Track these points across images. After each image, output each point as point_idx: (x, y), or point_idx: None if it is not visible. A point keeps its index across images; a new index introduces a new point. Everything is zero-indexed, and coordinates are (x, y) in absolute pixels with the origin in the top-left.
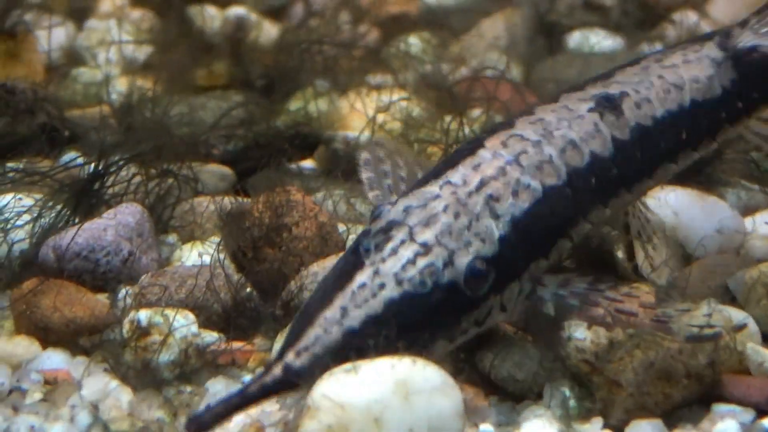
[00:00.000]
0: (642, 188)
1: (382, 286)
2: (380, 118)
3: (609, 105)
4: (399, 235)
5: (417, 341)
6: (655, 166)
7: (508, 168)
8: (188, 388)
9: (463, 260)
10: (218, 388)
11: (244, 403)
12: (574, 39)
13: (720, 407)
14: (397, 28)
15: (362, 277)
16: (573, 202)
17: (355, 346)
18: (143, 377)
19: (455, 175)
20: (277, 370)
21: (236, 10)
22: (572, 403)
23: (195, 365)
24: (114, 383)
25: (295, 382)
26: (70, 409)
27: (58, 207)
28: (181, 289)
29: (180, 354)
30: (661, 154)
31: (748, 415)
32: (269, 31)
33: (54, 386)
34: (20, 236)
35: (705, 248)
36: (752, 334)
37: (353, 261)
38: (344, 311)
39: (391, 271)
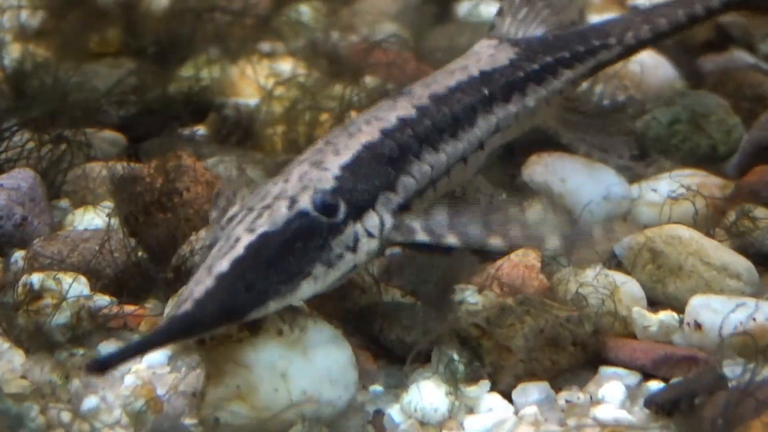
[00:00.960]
0: (470, 137)
1: (237, 239)
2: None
3: (400, 93)
4: (241, 213)
5: (293, 267)
6: (468, 117)
7: (323, 147)
8: (80, 351)
9: (305, 196)
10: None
11: (139, 350)
12: (463, 8)
13: (606, 370)
14: None
15: (218, 245)
16: (396, 150)
17: (232, 284)
18: (36, 340)
19: (282, 175)
20: (165, 321)
21: None
22: (460, 366)
23: (87, 328)
24: (6, 345)
25: (184, 330)
26: None
27: None
28: (73, 253)
29: (72, 317)
30: (466, 108)
31: (634, 377)
32: None
33: None
34: None
35: (592, 214)
36: (637, 299)
37: (209, 249)
38: (210, 267)
39: (242, 228)
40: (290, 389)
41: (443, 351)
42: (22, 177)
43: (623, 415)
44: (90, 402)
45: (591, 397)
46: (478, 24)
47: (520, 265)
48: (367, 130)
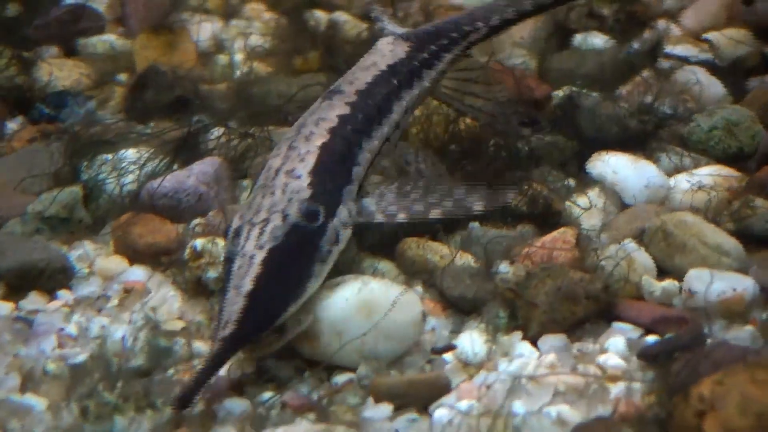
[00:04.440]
0: (389, 121)
1: (252, 257)
2: None
3: (332, 92)
4: (245, 229)
5: (299, 274)
6: (386, 105)
7: (288, 153)
8: None
9: (293, 209)
10: None
11: (206, 376)
12: (578, 39)
13: (617, 325)
14: None
15: (237, 263)
16: (344, 145)
17: (259, 299)
18: (195, 289)
19: (259, 181)
20: (218, 344)
21: (339, 15)
22: (502, 320)
23: None
24: (171, 293)
25: (234, 347)
26: (130, 313)
27: (159, 158)
28: None
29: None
30: (384, 98)
31: (636, 333)
32: (358, 28)
33: (129, 294)
34: (129, 180)
35: (635, 199)
36: (649, 269)
37: (228, 264)
38: (237, 286)
39: (251, 246)
40: (342, 344)
41: (490, 307)
42: (210, 163)
43: (619, 363)
44: None
45: (600, 347)
46: (584, 51)
47: (559, 240)
48: (318, 132)
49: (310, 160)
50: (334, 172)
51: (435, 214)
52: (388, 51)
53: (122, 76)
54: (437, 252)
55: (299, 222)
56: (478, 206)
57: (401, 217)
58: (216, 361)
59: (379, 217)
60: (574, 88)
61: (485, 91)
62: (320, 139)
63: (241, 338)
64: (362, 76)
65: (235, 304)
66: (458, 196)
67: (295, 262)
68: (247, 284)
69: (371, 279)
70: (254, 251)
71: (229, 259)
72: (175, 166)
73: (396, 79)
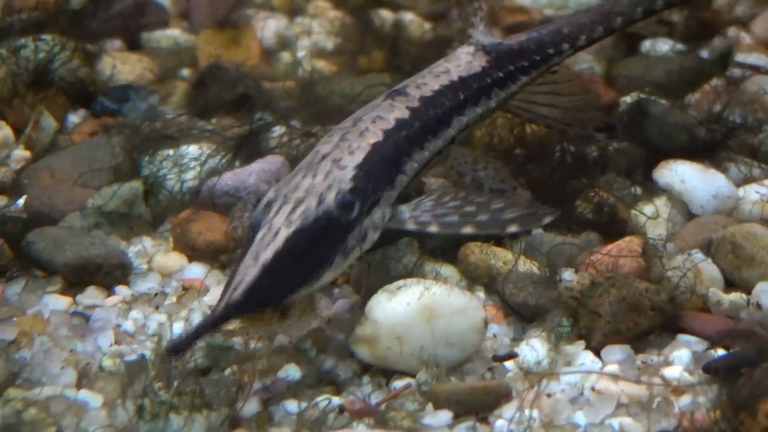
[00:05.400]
0: (445, 135)
1: (277, 231)
2: None
3: (397, 92)
4: (278, 202)
5: (319, 260)
6: (446, 119)
7: (339, 143)
8: None
9: (330, 196)
10: None
11: (205, 330)
12: (646, 45)
13: (682, 337)
14: None
15: (261, 233)
16: (395, 149)
17: (273, 273)
18: None
19: (305, 162)
20: (222, 305)
21: (404, 14)
22: (565, 329)
23: None
24: None
25: (237, 312)
26: (188, 311)
27: (220, 155)
28: None
29: None
30: (446, 111)
31: (702, 345)
32: (422, 29)
33: (187, 292)
34: (190, 176)
35: (703, 209)
36: (716, 281)
37: (252, 232)
38: (256, 255)
39: (280, 221)
40: (402, 349)
41: (553, 315)
42: (272, 161)
43: (684, 376)
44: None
45: (664, 359)
46: (655, 56)
47: (625, 249)
48: (373, 129)
49: (359, 156)
50: (379, 173)
51: (468, 229)
52: (464, 61)
53: (185, 72)
54: (500, 257)
55: (333, 210)
56: (512, 227)
57: (433, 228)
58: (217, 320)
59: (411, 226)
60: (642, 95)
61: (573, 100)
62: (373, 137)
63: (246, 306)
64: (431, 83)
65: (249, 271)
66: (495, 211)
67: (318, 248)
68: (266, 256)
69: (433, 283)
70: (281, 226)
71: (254, 227)
72: (237, 164)
73: (464, 94)
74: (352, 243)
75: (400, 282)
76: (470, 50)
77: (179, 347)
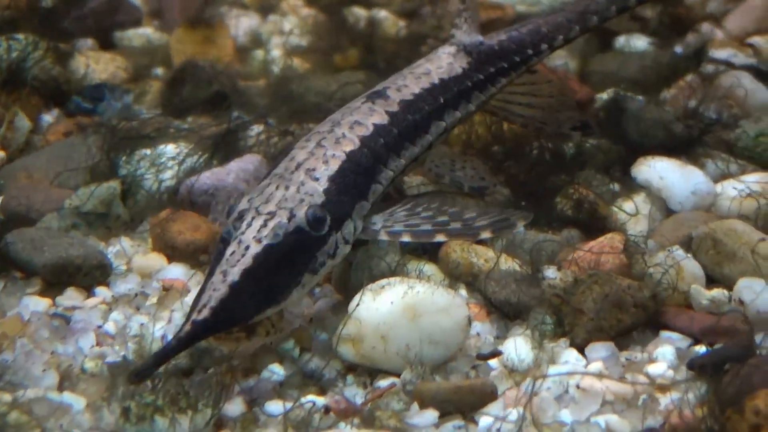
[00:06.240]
0: (423, 142)
1: (247, 247)
2: None
3: (377, 94)
4: (249, 214)
5: (287, 278)
6: (425, 125)
7: (315, 150)
8: None
9: (301, 212)
10: None
11: (170, 354)
12: (620, 41)
13: (665, 334)
14: None
15: (231, 248)
16: (371, 158)
17: (241, 293)
18: None
19: (278, 169)
20: (188, 326)
21: (378, 12)
22: (548, 327)
23: None
24: None
25: (203, 333)
26: (170, 312)
27: (198, 154)
28: None
29: None
30: (425, 116)
31: (685, 342)
32: (397, 26)
33: (167, 292)
34: (168, 176)
35: (682, 205)
36: (698, 278)
37: (222, 245)
38: (224, 273)
39: (250, 236)
40: (386, 348)
41: (536, 313)
42: (250, 160)
43: (669, 373)
44: None
45: (648, 356)
46: (630, 52)
47: (606, 246)
48: (350, 136)
49: (333, 166)
50: (352, 184)
51: (440, 237)
52: (445, 63)
53: (159, 70)
54: (481, 255)
55: (303, 226)
56: (485, 233)
57: (405, 238)
58: (182, 342)
59: (383, 237)
60: (619, 91)
61: (550, 102)
62: (350, 145)
63: (212, 327)
64: (411, 85)
65: (217, 290)
66: (468, 219)
67: (287, 266)
68: (234, 274)
69: (417, 282)
70: (251, 242)
71: (225, 240)
72: (214, 163)
73: (443, 98)
74: (321, 259)
75: (384, 281)
76: (451, 50)
77: (144, 372)
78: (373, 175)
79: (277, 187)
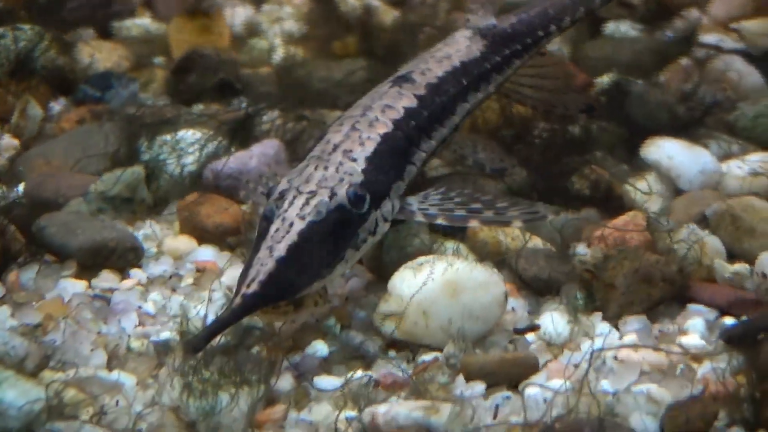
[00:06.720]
0: (450, 123)
1: (291, 224)
2: None
3: (402, 79)
4: (290, 194)
5: (331, 253)
6: (451, 106)
7: (350, 133)
8: None
9: (342, 190)
10: None
11: (223, 326)
12: (609, 27)
13: (693, 307)
14: None
15: (275, 225)
16: (404, 140)
17: (288, 267)
18: None
19: (315, 152)
20: (239, 299)
21: (369, 0)
22: (580, 302)
23: None
24: None
25: (253, 306)
26: (210, 291)
27: (217, 140)
28: None
29: None
30: (451, 98)
31: (712, 314)
32: (391, 14)
33: (202, 273)
34: (190, 161)
35: (691, 184)
36: (719, 252)
37: (266, 223)
38: (270, 249)
39: (294, 214)
40: (428, 324)
41: (569, 289)
42: (270, 145)
43: (701, 343)
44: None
45: (679, 328)
46: (622, 37)
47: (630, 223)
48: (382, 119)
49: (369, 147)
50: (388, 164)
51: (474, 223)
52: (463, 46)
53: (159, 59)
54: (508, 234)
55: (345, 204)
56: (517, 222)
57: (440, 221)
58: (235, 314)
59: (419, 218)
60: (620, 76)
61: (557, 84)
62: (383, 128)
63: (262, 300)
64: (434, 69)
65: (264, 264)
66: (500, 208)
67: (331, 241)
68: (281, 249)
69: (456, 259)
70: (295, 219)
71: (268, 218)
72: (232, 149)
73: (466, 80)
74: (363, 235)
75: (422, 258)
76: (467, 34)
77: (198, 344)
78: (408, 157)
79: (315, 168)
